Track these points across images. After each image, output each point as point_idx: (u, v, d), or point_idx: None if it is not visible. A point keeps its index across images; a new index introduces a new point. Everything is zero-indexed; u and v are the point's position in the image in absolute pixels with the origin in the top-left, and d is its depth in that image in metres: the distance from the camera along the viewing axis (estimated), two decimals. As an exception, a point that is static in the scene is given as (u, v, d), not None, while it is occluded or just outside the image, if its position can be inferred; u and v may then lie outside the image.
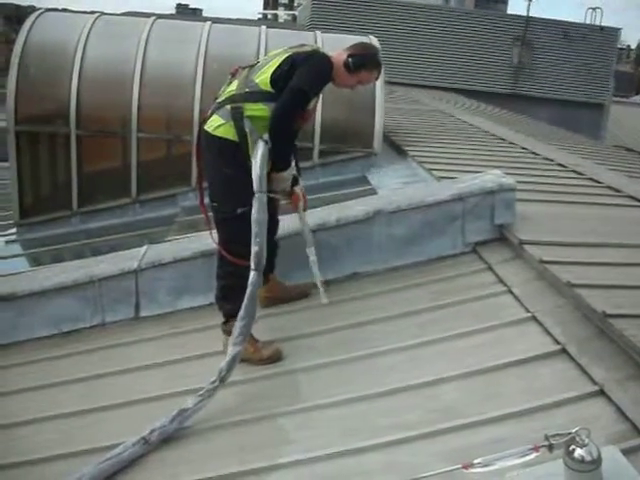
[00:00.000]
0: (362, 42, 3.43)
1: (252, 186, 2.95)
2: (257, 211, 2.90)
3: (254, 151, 3.00)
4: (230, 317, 3.10)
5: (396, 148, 6.76)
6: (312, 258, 3.28)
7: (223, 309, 3.18)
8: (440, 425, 2.34)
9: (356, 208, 3.81)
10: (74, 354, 3.41)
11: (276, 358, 3.05)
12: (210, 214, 3.22)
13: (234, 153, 3.04)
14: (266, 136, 2.99)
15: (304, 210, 3.36)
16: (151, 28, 6.56)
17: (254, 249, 2.89)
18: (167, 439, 2.55)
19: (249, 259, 2.91)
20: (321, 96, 6.08)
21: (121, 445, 2.45)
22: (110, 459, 2.39)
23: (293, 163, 3.21)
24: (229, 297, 3.11)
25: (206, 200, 3.24)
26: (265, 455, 2.38)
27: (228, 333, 3.08)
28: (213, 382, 2.69)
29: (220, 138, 3.05)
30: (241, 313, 2.85)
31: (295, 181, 3.25)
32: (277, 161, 3.07)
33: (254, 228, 2.89)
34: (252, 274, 2.88)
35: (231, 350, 2.78)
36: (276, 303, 3.52)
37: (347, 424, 2.49)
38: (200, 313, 3.61)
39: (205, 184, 3.23)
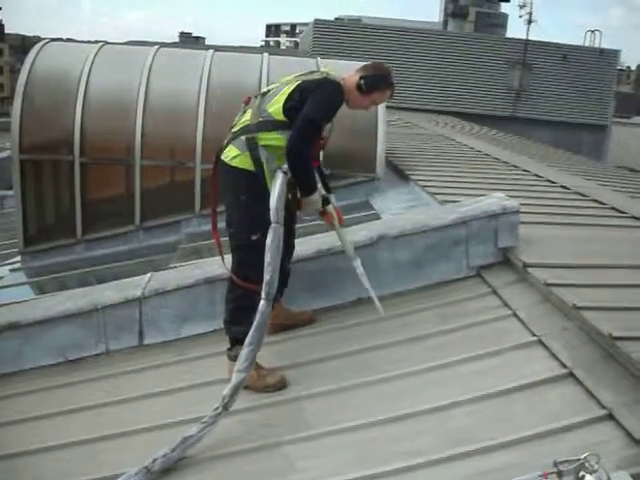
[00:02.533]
0: (374, 62, 3.43)
1: (268, 214, 2.97)
2: (272, 241, 2.92)
3: (273, 181, 3.03)
4: (236, 342, 3.10)
5: (399, 172, 6.78)
6: (359, 271, 3.29)
7: (230, 332, 3.17)
8: (450, 451, 2.32)
9: (360, 233, 3.81)
10: (79, 382, 3.39)
11: (281, 386, 3.03)
12: (222, 239, 3.27)
13: (251, 182, 3.07)
14: (285, 167, 3.03)
15: (341, 226, 3.37)
16: (154, 57, 6.64)
17: (266, 277, 2.89)
18: (170, 468, 2.53)
19: (260, 284, 2.92)
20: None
21: (124, 475, 2.43)
22: None
23: (320, 184, 3.26)
24: (237, 320, 3.12)
25: (221, 225, 3.28)
26: (271, 484, 2.36)
27: (233, 359, 3.07)
28: (216, 409, 2.67)
29: (237, 168, 3.10)
30: (248, 340, 2.83)
31: (326, 201, 3.28)
32: (301, 187, 3.14)
33: (267, 258, 2.91)
34: (262, 303, 2.88)
35: (235, 377, 2.76)
36: (282, 329, 3.51)
37: (355, 451, 2.47)
38: (204, 340, 3.60)
39: (219, 208, 3.29)
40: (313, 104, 3.01)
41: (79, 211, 6.30)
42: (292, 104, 3.05)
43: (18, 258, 6.45)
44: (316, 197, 3.18)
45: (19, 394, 3.35)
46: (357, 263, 3.31)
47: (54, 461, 2.74)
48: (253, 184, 3.06)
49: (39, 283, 5.97)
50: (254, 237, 3.05)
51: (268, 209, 2.97)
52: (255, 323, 2.84)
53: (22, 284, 6.04)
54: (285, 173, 3.03)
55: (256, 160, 3.06)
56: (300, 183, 3.12)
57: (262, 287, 2.89)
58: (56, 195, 6.63)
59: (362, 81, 3.18)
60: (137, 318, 3.62)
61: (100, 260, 6.07)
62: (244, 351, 2.82)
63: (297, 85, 3.11)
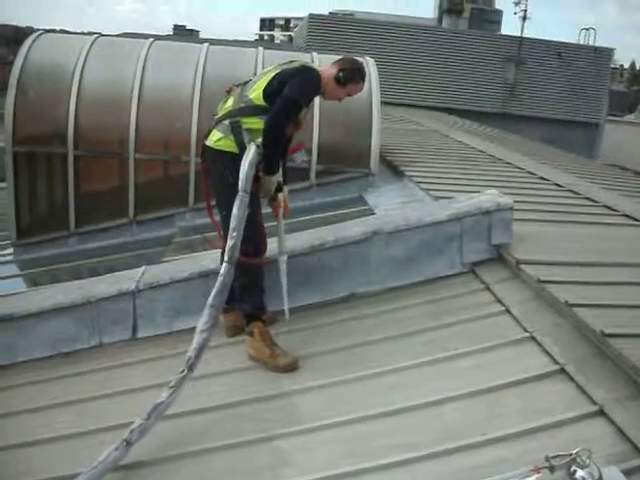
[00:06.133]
0: (348, 57, 3.58)
1: (254, 190, 3.14)
2: (238, 208, 3.04)
3: (245, 153, 3.15)
4: (251, 318, 3.24)
5: (393, 168, 6.78)
6: (282, 267, 3.35)
7: (242, 309, 3.29)
8: (441, 446, 2.33)
9: (353, 229, 3.82)
10: (72, 375, 3.39)
11: (291, 369, 3.12)
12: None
13: (235, 163, 3.18)
14: (259, 140, 3.15)
15: (284, 217, 3.44)
16: (149, 50, 6.60)
17: (229, 242, 3.01)
18: (162, 461, 2.54)
19: (256, 256, 3.14)
20: (317, 116, 6.19)
21: (104, 451, 2.43)
22: (96, 467, 2.39)
23: (281, 170, 3.35)
24: (246, 297, 3.22)
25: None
26: (262, 478, 2.36)
27: (250, 334, 3.22)
28: (182, 372, 2.72)
29: (221, 151, 3.24)
30: (210, 301, 2.92)
31: (279, 188, 3.37)
32: (266, 164, 3.22)
33: (232, 223, 3.03)
34: (224, 266, 2.99)
35: (197, 338, 2.82)
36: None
37: (347, 445, 2.48)
38: (198, 334, 3.59)
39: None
40: (293, 86, 3.16)
41: (72, 204, 6.27)
42: (272, 89, 3.19)
43: (11, 250, 6.42)
44: (274, 179, 3.29)
45: (12, 387, 3.34)
46: (283, 259, 3.37)
47: (50, 454, 2.74)
48: (237, 164, 3.17)
49: (32, 275, 5.95)
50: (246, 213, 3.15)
51: (253, 187, 3.13)
52: (217, 285, 2.96)
53: (15, 276, 6.02)
54: (258, 146, 3.16)
55: (240, 143, 3.20)
56: (266, 158, 3.20)
57: (225, 252, 3.00)
58: (49, 187, 6.59)
59: (341, 73, 3.31)
60: (131, 311, 3.62)
61: (93, 253, 6.05)
62: (205, 312, 2.90)
63: (277, 72, 3.26)
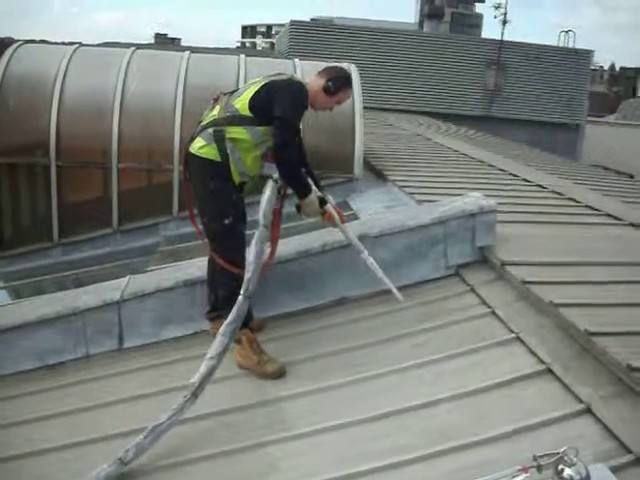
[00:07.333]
0: (333, 65, 3.59)
1: (235, 198, 3.20)
2: (256, 241, 3.05)
3: (263, 189, 3.17)
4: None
5: (376, 173, 6.81)
6: (370, 261, 3.35)
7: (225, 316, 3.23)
8: (431, 448, 2.34)
9: (339, 234, 3.81)
10: (59, 387, 3.36)
11: (279, 375, 3.12)
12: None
13: (217, 171, 3.21)
14: (276, 175, 3.17)
15: (342, 222, 3.46)
16: (130, 58, 6.58)
17: (247, 275, 3.01)
18: (153, 471, 2.53)
19: (244, 266, 3.07)
20: (300, 123, 6.19)
21: (98, 468, 2.42)
22: None
23: (314, 186, 3.35)
24: (229, 305, 3.16)
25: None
26: (254, 485, 2.36)
27: (238, 342, 3.19)
28: (185, 397, 2.70)
29: (204, 158, 3.23)
30: (222, 330, 2.91)
31: (323, 201, 3.38)
32: (298, 190, 3.26)
33: (250, 256, 3.04)
34: (240, 299, 2.97)
35: (205, 364, 2.80)
36: None
37: (338, 450, 2.48)
38: (184, 343, 3.59)
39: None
40: (284, 106, 3.16)
41: (55, 214, 6.23)
42: (257, 101, 3.20)
43: (-6, 263, 6.36)
44: (312, 198, 3.29)
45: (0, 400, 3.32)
46: (365, 254, 3.38)
47: (38, 467, 2.71)
48: (220, 172, 3.20)
49: (16, 287, 5.89)
50: (227, 221, 3.19)
51: (235, 195, 3.20)
52: (230, 317, 2.95)
53: (-2, 289, 5.96)
54: (275, 181, 3.17)
55: (222, 151, 3.20)
56: (294, 188, 3.26)
57: (243, 285, 2.99)
58: (32, 198, 6.55)
59: (330, 83, 3.32)
60: (116, 322, 3.60)
61: (77, 264, 6.00)
62: (217, 339, 2.89)
63: (265, 83, 3.26)
